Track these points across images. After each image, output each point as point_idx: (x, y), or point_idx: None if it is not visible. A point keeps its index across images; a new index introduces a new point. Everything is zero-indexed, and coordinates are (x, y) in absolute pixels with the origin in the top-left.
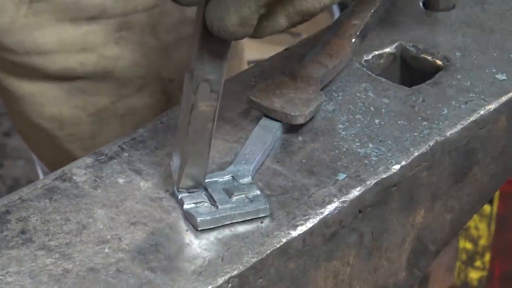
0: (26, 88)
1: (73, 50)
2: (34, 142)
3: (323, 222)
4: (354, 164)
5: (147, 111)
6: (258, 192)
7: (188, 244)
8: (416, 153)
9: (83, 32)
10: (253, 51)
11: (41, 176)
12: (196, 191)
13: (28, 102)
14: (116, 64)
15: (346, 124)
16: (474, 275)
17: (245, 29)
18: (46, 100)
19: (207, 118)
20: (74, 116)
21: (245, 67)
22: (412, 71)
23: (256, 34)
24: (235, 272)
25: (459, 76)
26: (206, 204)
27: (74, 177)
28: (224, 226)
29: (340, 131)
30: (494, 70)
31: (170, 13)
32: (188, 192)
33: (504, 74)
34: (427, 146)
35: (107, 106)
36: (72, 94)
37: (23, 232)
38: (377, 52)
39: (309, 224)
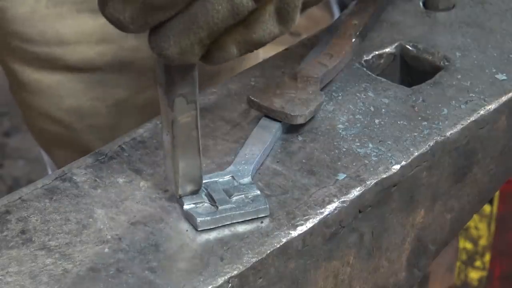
0: (45, 80)
1: (93, 41)
2: (48, 139)
3: (323, 222)
4: (354, 164)
5: None
6: (258, 192)
7: (188, 244)
8: (416, 153)
9: (103, 23)
10: None
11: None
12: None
13: (47, 94)
14: (135, 56)
15: (346, 124)
16: (474, 275)
17: (187, 58)
18: (65, 92)
19: (190, 128)
20: (93, 107)
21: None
22: (412, 71)
23: (209, 62)
24: (235, 272)
25: (459, 76)
26: (206, 204)
27: (74, 177)
28: (224, 226)
29: (340, 131)
30: (494, 70)
31: None
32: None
33: (504, 74)
34: (427, 146)
35: (126, 98)
36: (91, 85)
37: (23, 232)
38: (377, 52)
39: (309, 224)
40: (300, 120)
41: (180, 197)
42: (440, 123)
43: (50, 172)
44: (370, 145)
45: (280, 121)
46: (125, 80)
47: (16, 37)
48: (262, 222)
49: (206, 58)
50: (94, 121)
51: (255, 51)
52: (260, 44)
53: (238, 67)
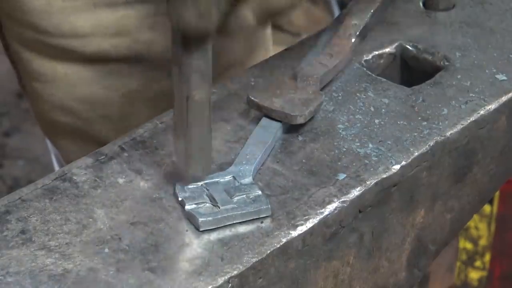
0: (59, 69)
1: (108, 33)
2: (58, 130)
3: (323, 222)
4: (354, 164)
5: None
6: (259, 192)
7: (188, 244)
8: (416, 153)
9: (119, 17)
10: None
11: (56, 168)
12: (199, 190)
13: (60, 83)
14: (150, 49)
15: (346, 124)
16: (474, 275)
17: (204, 23)
18: (79, 81)
19: (204, 106)
20: (106, 97)
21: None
22: (412, 71)
23: (225, 32)
24: (235, 272)
25: (459, 76)
26: (207, 204)
27: (74, 177)
28: (224, 226)
29: (340, 131)
30: (494, 70)
31: None
32: (190, 191)
33: (504, 74)
34: (427, 146)
35: (138, 88)
36: (105, 75)
37: (23, 232)
38: (377, 52)
39: (309, 224)
40: (300, 120)
41: (180, 192)
42: (440, 123)
43: (56, 166)
44: (370, 145)
45: (280, 121)
46: (138, 71)
47: (31, 28)
48: (262, 222)
49: (223, 28)
50: (107, 111)
51: (264, 44)
52: (277, 11)
53: (247, 61)
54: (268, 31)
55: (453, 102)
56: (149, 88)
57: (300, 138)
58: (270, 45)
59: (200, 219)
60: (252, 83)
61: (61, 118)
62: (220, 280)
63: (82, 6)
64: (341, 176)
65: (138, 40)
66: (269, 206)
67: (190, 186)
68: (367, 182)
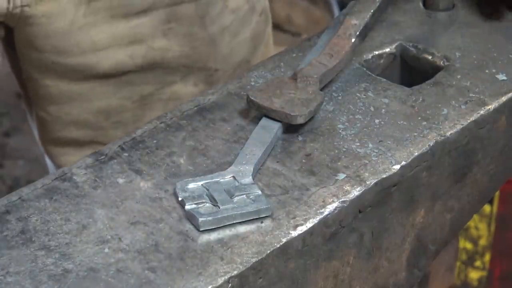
0: (77, 88)
1: (123, 43)
2: (68, 147)
3: (323, 222)
4: (354, 164)
5: (190, 98)
6: (259, 192)
7: (188, 244)
8: (416, 153)
9: (133, 25)
10: None
11: None
12: (199, 190)
13: (77, 101)
14: (164, 56)
15: (346, 124)
16: (474, 275)
17: None
18: (95, 96)
19: None
20: (121, 105)
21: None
22: (412, 71)
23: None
24: (235, 272)
25: (459, 76)
26: (207, 204)
27: (74, 177)
28: (224, 226)
29: (340, 131)
30: (494, 70)
31: (215, 3)
32: (190, 191)
33: (504, 74)
34: (427, 146)
35: (152, 93)
36: (120, 86)
37: (23, 232)
38: (377, 52)
39: (309, 224)
40: (300, 120)
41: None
42: (440, 123)
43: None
44: (370, 145)
45: (280, 121)
46: (152, 77)
47: (51, 51)
48: (262, 222)
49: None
50: (120, 118)
51: (267, 42)
52: None
53: (252, 60)
54: (270, 29)
55: (453, 102)
56: (161, 91)
57: (300, 138)
58: (271, 43)
59: (200, 219)
60: (252, 83)
61: (74, 133)
62: (220, 280)
63: (101, 19)
64: (341, 176)
65: (153, 47)
66: (269, 206)
67: (190, 186)
68: (367, 182)
